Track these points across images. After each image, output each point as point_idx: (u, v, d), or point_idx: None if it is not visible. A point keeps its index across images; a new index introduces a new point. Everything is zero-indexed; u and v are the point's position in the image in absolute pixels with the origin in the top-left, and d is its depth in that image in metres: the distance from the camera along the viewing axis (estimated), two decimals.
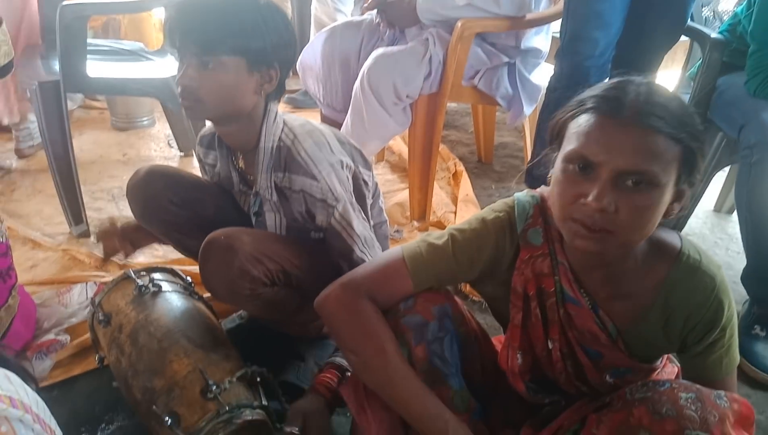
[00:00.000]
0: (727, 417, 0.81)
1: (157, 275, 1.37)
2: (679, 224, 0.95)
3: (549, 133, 0.94)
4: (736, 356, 0.97)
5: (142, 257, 1.86)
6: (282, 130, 1.26)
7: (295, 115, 1.34)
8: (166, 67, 2.08)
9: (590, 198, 0.81)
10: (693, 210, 1.87)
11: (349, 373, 1.21)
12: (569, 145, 0.85)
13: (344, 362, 1.23)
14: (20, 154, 2.51)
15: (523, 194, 1.03)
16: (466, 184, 2.41)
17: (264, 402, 1.17)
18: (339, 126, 1.97)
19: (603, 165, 0.81)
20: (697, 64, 1.87)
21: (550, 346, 1.00)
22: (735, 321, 0.95)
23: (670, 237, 0.94)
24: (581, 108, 0.86)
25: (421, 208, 2.16)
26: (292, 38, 1.21)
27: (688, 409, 0.81)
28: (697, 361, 0.95)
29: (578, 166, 0.84)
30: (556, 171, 0.88)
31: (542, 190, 1.02)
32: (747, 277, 1.70)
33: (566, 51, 1.77)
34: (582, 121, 0.85)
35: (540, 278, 0.98)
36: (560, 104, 1.80)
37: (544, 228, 0.98)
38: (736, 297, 1.62)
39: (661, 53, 1.82)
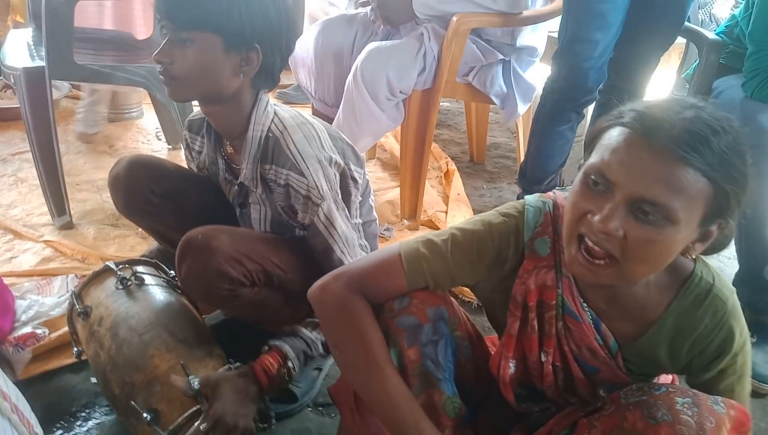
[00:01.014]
0: (723, 423, 0.79)
1: (139, 268, 1.33)
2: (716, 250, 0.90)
3: (585, 140, 0.89)
4: (748, 384, 0.93)
5: (126, 250, 1.82)
6: (272, 120, 1.23)
7: (288, 107, 1.31)
8: None
9: (597, 217, 0.77)
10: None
11: (290, 362, 1.19)
12: (594, 157, 0.80)
13: (291, 351, 1.20)
14: None
15: (534, 198, 0.98)
16: (457, 184, 2.39)
17: None
18: (330, 121, 1.94)
19: (620, 186, 0.76)
20: (693, 65, 1.86)
21: (543, 358, 0.97)
22: (748, 348, 0.91)
23: (684, 258, 0.89)
24: (618, 120, 0.80)
25: (411, 207, 2.13)
26: (284, 23, 1.16)
27: (684, 414, 0.78)
28: (707, 387, 0.91)
29: (596, 182, 0.79)
30: (575, 181, 0.84)
31: (555, 195, 0.97)
32: (739, 283, 1.69)
33: (564, 52, 1.75)
34: (613, 135, 0.79)
35: (542, 290, 0.94)
36: (557, 106, 1.81)
37: (552, 238, 0.93)
38: None
39: (659, 54, 1.81)
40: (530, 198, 0.98)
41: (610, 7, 1.66)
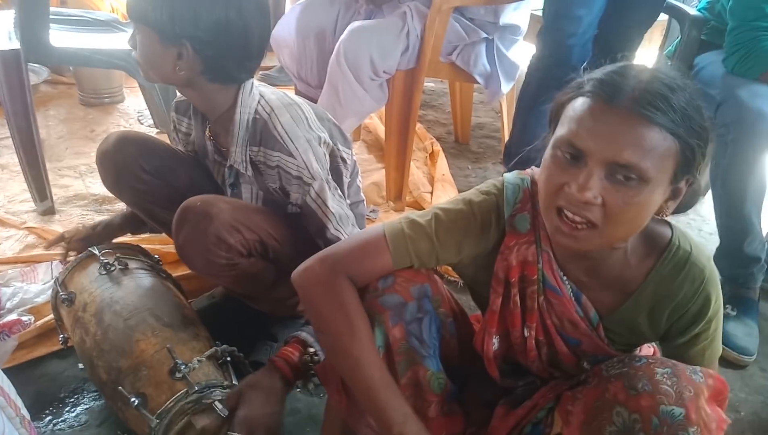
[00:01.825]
0: (702, 392, 0.81)
1: (122, 253, 1.33)
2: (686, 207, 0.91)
3: (549, 116, 0.89)
4: (719, 348, 0.96)
5: None
6: (258, 102, 1.22)
7: (273, 88, 1.30)
8: None
9: (574, 187, 0.78)
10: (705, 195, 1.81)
11: (311, 349, 1.19)
12: (561, 129, 0.81)
13: (309, 337, 1.20)
14: None
15: (512, 175, 0.98)
16: (442, 164, 2.39)
17: (234, 382, 1.14)
18: (314, 102, 1.93)
19: (592, 154, 0.77)
20: (675, 42, 1.87)
21: (526, 333, 0.98)
22: (721, 313, 0.93)
23: (661, 227, 0.91)
24: (579, 91, 0.81)
25: (397, 188, 2.13)
26: (235, 23, 1.12)
27: (664, 384, 0.80)
28: (680, 351, 0.93)
29: (567, 153, 0.80)
30: (545, 156, 0.84)
31: (533, 171, 0.98)
32: (719, 257, 1.72)
33: (549, 29, 1.75)
34: (577, 106, 0.80)
35: (524, 265, 0.95)
36: (542, 84, 1.81)
37: (531, 214, 0.94)
38: None
39: (642, 31, 1.81)
40: (509, 175, 0.99)
41: None
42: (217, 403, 1.05)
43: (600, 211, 0.78)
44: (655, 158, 0.76)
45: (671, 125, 0.76)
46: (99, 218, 1.89)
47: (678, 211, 0.90)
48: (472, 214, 0.96)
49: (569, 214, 0.80)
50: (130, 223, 1.50)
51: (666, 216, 0.86)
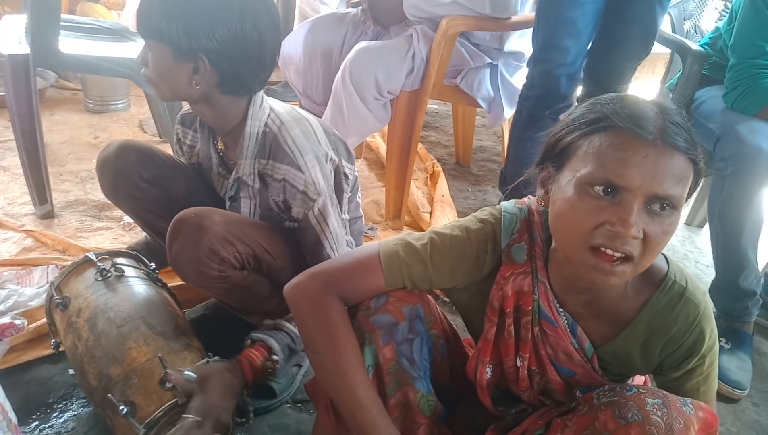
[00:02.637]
0: (692, 424, 0.81)
1: (119, 260, 1.33)
2: None
3: (545, 150, 0.88)
4: (714, 384, 0.96)
5: (107, 243, 1.81)
6: (268, 115, 1.24)
7: (282, 103, 1.31)
8: None
9: (619, 225, 0.76)
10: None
11: (275, 357, 1.20)
12: (586, 166, 0.79)
13: (275, 344, 1.21)
14: None
15: (510, 205, 0.99)
16: (442, 186, 2.40)
17: None
18: None
19: (633, 189, 0.76)
20: (677, 75, 1.89)
21: (519, 363, 0.98)
22: (716, 349, 0.93)
23: (658, 259, 0.91)
24: (597, 126, 0.80)
25: (396, 207, 2.14)
26: (250, 34, 1.13)
27: (654, 415, 0.80)
28: (675, 385, 0.93)
29: (602, 190, 0.78)
30: (566, 194, 0.82)
31: (530, 200, 0.98)
32: (715, 290, 1.72)
33: (538, 60, 1.77)
34: (603, 141, 0.79)
35: (519, 296, 0.95)
36: (533, 113, 1.82)
37: (528, 244, 0.94)
38: None
39: (633, 64, 1.82)
40: (506, 204, 0.99)
41: (579, 13, 1.68)
42: (187, 371, 1.07)
43: (640, 244, 0.79)
44: (683, 185, 0.78)
45: (690, 150, 0.78)
46: (97, 224, 1.90)
47: None
48: (468, 241, 0.96)
49: (609, 252, 0.78)
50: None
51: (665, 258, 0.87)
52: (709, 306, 0.91)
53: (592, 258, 0.80)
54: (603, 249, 0.78)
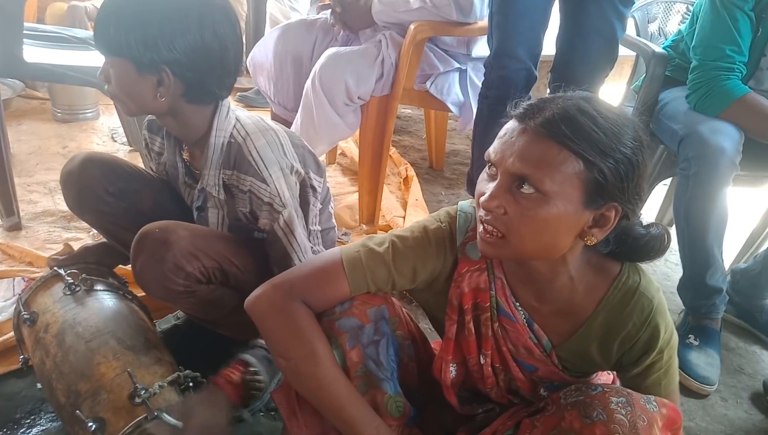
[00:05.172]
0: (655, 421, 0.83)
1: (89, 274, 1.31)
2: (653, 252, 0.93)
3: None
4: (675, 377, 0.98)
5: None
6: (234, 126, 1.22)
7: (250, 113, 1.31)
8: None
9: (482, 198, 0.83)
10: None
11: (252, 368, 1.20)
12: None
13: (251, 359, 1.22)
14: None
15: (466, 204, 1.01)
16: (416, 189, 2.42)
17: None
18: (289, 125, 1.94)
19: (498, 166, 0.83)
20: (642, 77, 1.93)
21: (482, 360, 0.99)
22: (675, 343, 0.95)
23: (612, 259, 0.93)
24: (510, 117, 0.87)
25: (370, 212, 2.14)
26: (211, 42, 1.12)
27: (619, 413, 0.81)
28: (636, 381, 0.95)
29: (488, 167, 0.86)
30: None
31: None
32: (682, 288, 1.76)
33: (493, 65, 1.77)
34: (504, 127, 0.87)
35: (476, 293, 0.97)
36: (492, 111, 1.82)
37: None
38: (672, 307, 1.66)
39: (600, 75, 1.81)
40: (463, 204, 1.01)
41: (526, 22, 1.69)
42: (164, 414, 1.03)
43: (504, 221, 0.82)
44: (554, 174, 0.78)
45: (571, 144, 0.78)
46: (66, 235, 1.87)
47: (648, 257, 0.92)
48: (427, 240, 0.98)
49: (484, 224, 0.84)
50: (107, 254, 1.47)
51: (592, 243, 0.86)
52: (663, 301, 0.93)
53: (480, 228, 0.86)
54: (481, 222, 0.85)
